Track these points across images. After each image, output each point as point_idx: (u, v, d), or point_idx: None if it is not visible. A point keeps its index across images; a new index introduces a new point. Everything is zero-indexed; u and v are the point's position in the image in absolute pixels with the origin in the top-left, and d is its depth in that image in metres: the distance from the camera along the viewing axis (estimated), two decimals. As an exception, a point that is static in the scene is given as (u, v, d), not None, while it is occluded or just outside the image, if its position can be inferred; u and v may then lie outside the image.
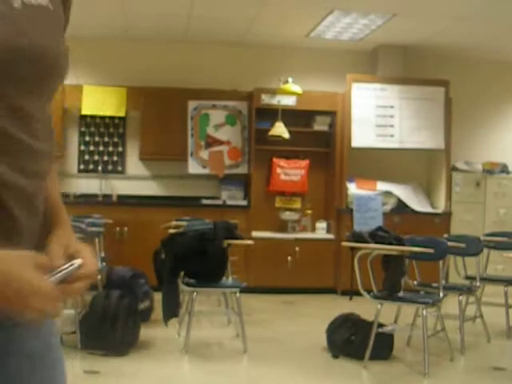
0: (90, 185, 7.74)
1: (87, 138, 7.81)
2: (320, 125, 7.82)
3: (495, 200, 7.97)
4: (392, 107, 7.67)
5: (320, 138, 7.90)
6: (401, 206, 7.70)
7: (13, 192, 0.96)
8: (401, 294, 4.70)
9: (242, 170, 7.71)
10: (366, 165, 7.86)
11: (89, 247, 1.05)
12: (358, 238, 4.89)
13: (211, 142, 7.61)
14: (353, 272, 5.37)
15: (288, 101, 7.59)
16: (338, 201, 7.59)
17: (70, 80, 8.65)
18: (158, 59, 7.83)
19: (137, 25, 7.26)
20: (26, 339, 1.05)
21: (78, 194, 7.65)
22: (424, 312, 4.46)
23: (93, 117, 7.72)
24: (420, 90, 7.74)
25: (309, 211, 7.82)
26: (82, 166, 7.81)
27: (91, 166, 7.80)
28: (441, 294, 4.67)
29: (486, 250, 5.79)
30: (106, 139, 7.83)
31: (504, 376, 4.47)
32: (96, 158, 7.81)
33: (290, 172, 7.71)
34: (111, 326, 4.51)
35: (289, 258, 7.45)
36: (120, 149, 7.86)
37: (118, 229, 7.08)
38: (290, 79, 7.45)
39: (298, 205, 7.86)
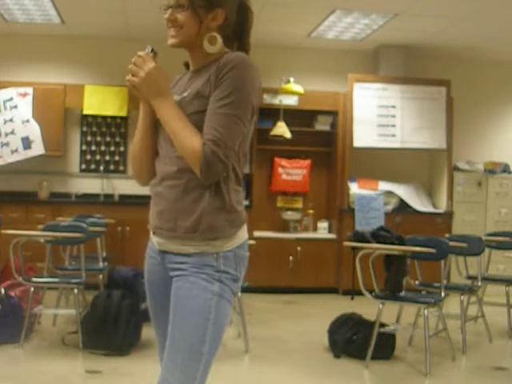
0: (91, 185, 7.74)
1: (89, 138, 7.81)
2: (322, 124, 7.82)
3: (497, 200, 7.96)
4: (394, 107, 7.67)
5: (322, 138, 7.90)
6: (402, 206, 7.70)
7: None
8: (402, 293, 4.71)
9: (244, 169, 7.68)
10: (368, 164, 7.87)
11: None
12: (360, 237, 4.89)
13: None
14: (354, 272, 5.38)
15: (290, 100, 7.59)
16: (340, 200, 7.59)
17: (71, 80, 8.58)
18: (159, 59, 7.80)
19: (137, 24, 7.25)
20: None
21: (79, 193, 7.66)
22: (426, 312, 4.46)
23: (94, 116, 7.73)
24: (422, 90, 7.73)
25: (310, 211, 7.81)
26: (83, 166, 7.82)
27: (93, 166, 7.81)
28: (442, 294, 4.67)
29: (487, 250, 5.79)
30: (108, 139, 7.84)
31: (506, 376, 4.47)
32: (98, 157, 7.82)
33: (292, 172, 7.71)
34: (113, 326, 4.51)
35: (290, 257, 7.45)
36: (122, 148, 7.86)
37: (119, 229, 7.08)
38: (291, 79, 7.44)
39: (299, 204, 7.86)
